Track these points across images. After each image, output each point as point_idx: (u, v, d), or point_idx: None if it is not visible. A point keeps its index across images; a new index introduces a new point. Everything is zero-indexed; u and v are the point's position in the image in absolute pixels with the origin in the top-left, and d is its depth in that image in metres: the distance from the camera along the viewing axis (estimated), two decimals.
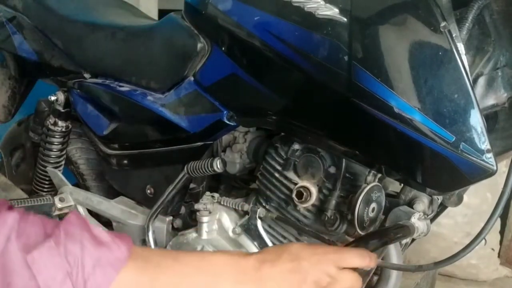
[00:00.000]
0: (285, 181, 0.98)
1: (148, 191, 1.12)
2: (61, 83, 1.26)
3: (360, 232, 0.90)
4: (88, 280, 0.57)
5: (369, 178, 0.93)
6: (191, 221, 1.12)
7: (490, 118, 0.79)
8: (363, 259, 0.73)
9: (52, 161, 1.31)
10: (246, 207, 1.02)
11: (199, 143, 1.03)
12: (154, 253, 0.69)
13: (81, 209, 1.22)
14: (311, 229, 0.97)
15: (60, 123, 1.27)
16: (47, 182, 1.34)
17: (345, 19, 0.76)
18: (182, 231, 1.09)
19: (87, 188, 1.31)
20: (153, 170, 1.10)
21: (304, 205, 0.95)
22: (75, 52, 1.20)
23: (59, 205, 1.21)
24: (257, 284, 0.68)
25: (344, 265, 0.71)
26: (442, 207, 1.01)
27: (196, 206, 1.05)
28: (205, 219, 1.03)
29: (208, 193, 1.10)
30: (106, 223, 1.23)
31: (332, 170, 0.92)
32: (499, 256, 2.13)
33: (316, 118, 0.85)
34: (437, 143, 0.72)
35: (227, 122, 0.96)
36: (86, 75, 1.19)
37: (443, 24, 0.70)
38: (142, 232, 1.09)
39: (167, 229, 1.12)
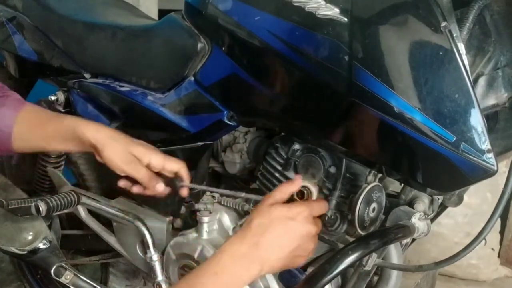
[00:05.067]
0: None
1: None
2: (61, 83, 1.26)
3: (360, 232, 0.90)
4: None
5: (370, 178, 0.93)
6: (191, 221, 1.11)
7: (491, 118, 0.79)
8: (325, 206, 0.83)
9: (52, 161, 1.31)
10: (247, 207, 1.02)
11: (199, 143, 1.03)
12: None
13: (81, 209, 1.22)
14: None
15: None
16: (47, 182, 1.34)
17: (346, 19, 0.76)
18: (182, 231, 1.09)
19: (87, 188, 1.31)
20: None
21: None
22: (75, 52, 1.20)
23: None
24: (262, 260, 0.73)
25: (315, 213, 0.80)
26: (443, 207, 1.01)
27: (197, 206, 1.05)
28: (205, 219, 1.03)
29: (208, 193, 1.09)
30: (106, 223, 1.23)
31: (332, 170, 0.92)
32: (499, 256, 2.13)
33: (317, 118, 0.85)
34: (437, 143, 0.72)
35: (228, 122, 0.96)
36: (86, 75, 1.19)
37: (443, 24, 0.70)
38: (142, 233, 1.09)
39: (167, 229, 1.12)
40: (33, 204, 0.93)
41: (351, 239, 0.97)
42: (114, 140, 0.92)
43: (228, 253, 0.73)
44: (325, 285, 0.79)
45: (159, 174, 0.95)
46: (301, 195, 0.94)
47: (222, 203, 1.06)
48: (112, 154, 0.92)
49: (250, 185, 1.14)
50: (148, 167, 0.93)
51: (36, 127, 0.94)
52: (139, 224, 1.08)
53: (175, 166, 0.94)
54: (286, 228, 0.75)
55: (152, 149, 0.95)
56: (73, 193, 0.96)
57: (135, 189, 0.96)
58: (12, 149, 0.95)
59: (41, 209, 0.92)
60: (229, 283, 0.72)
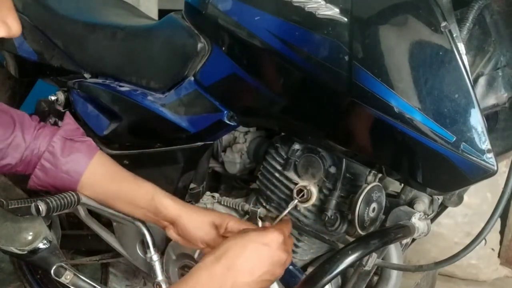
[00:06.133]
0: (285, 181, 0.98)
1: None
2: (61, 83, 1.26)
3: (360, 232, 0.90)
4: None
5: (370, 178, 0.93)
6: None
7: (491, 118, 0.80)
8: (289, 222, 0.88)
9: None
10: (247, 207, 1.02)
11: (199, 143, 1.03)
12: None
13: (81, 209, 1.22)
14: (311, 229, 0.97)
15: (60, 123, 1.27)
16: None
17: (346, 19, 0.76)
18: None
19: None
20: (153, 170, 1.10)
21: (305, 205, 0.95)
22: (75, 52, 1.20)
23: None
24: (233, 282, 0.76)
25: (287, 234, 0.82)
26: (443, 207, 1.01)
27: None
28: None
29: (208, 193, 1.10)
30: (106, 223, 1.23)
31: (332, 170, 0.92)
32: (499, 256, 2.13)
33: (316, 118, 0.85)
34: (437, 143, 0.72)
35: (228, 122, 0.96)
36: (86, 75, 1.19)
37: (443, 24, 0.70)
38: (142, 232, 1.09)
39: None
40: (33, 204, 0.93)
41: (351, 239, 0.97)
42: (194, 212, 0.91)
43: (205, 271, 0.76)
44: (325, 285, 0.79)
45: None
46: (301, 195, 0.94)
47: (222, 203, 1.06)
48: (193, 226, 0.90)
49: (250, 185, 1.14)
50: (224, 232, 0.92)
51: (107, 182, 0.93)
52: (139, 224, 1.08)
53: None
54: (260, 253, 0.78)
55: (227, 215, 0.94)
56: (73, 193, 0.96)
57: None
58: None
59: (41, 209, 0.92)
60: None
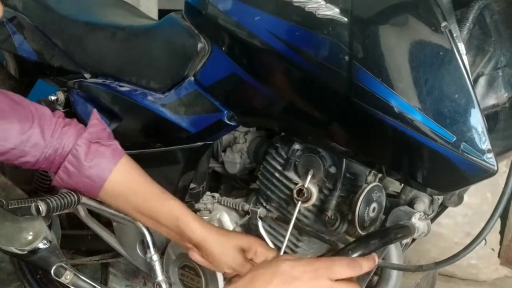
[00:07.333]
0: (285, 181, 0.98)
1: None
2: (61, 83, 1.26)
3: (360, 232, 0.90)
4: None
5: (370, 178, 0.93)
6: None
7: (491, 118, 0.79)
8: (354, 268, 0.73)
9: None
10: (247, 207, 1.02)
11: (199, 143, 1.03)
12: None
13: (81, 209, 1.22)
14: (311, 229, 0.97)
15: None
16: (47, 182, 1.34)
17: (346, 19, 0.76)
18: None
19: None
20: (153, 170, 1.10)
21: (305, 205, 0.95)
22: (75, 52, 1.20)
23: None
24: None
25: (337, 277, 0.71)
26: (443, 207, 1.01)
27: (197, 206, 1.05)
28: (205, 218, 1.03)
29: (208, 193, 1.10)
30: (106, 223, 1.23)
31: (332, 170, 0.92)
32: (499, 256, 2.13)
33: (317, 118, 0.85)
34: (437, 143, 0.72)
35: (228, 122, 0.96)
36: (86, 75, 1.19)
37: (443, 24, 0.70)
38: (142, 232, 1.09)
39: None
40: (33, 204, 0.93)
41: (351, 239, 0.97)
42: (221, 235, 0.88)
43: None
44: None
45: None
46: (301, 195, 0.94)
47: (222, 203, 1.06)
48: (220, 251, 0.87)
49: (250, 185, 1.14)
50: (251, 259, 0.88)
51: (130, 194, 0.90)
52: (139, 224, 1.08)
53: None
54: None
55: (255, 239, 0.91)
56: (73, 193, 0.96)
57: None
58: (98, 197, 0.92)
59: (41, 209, 0.92)
60: None
